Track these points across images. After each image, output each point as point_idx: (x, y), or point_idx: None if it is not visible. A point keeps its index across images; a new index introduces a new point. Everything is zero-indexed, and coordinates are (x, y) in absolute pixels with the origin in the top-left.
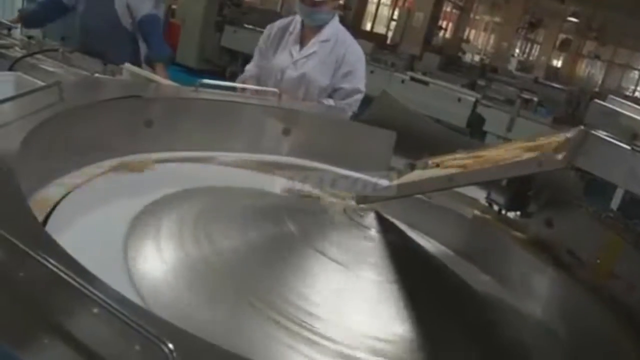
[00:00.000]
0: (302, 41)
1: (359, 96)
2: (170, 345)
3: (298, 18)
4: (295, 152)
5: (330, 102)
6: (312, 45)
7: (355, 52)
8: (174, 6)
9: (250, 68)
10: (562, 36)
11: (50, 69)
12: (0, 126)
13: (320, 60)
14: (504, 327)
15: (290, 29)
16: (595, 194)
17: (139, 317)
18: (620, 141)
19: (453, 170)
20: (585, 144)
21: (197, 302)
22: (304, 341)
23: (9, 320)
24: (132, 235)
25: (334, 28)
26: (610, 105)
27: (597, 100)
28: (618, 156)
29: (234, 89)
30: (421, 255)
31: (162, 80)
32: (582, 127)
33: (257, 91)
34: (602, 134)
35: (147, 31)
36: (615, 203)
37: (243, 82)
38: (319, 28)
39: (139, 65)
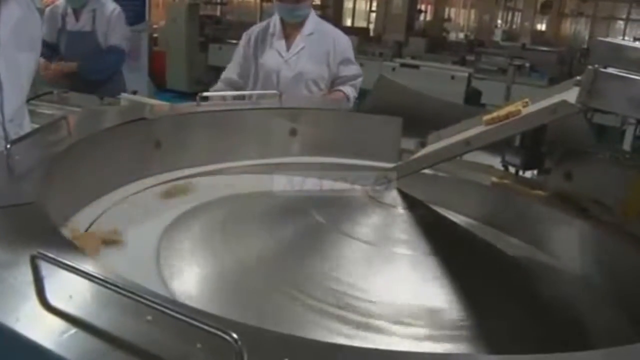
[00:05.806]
0: (287, 39)
1: (360, 80)
2: (235, 335)
3: (275, 18)
4: (307, 150)
5: (349, 89)
6: (299, 41)
7: (342, 40)
8: (155, 35)
9: (228, 76)
10: None
11: (49, 111)
12: (19, 165)
13: (310, 54)
14: (543, 284)
15: (271, 30)
16: (606, 141)
17: (196, 315)
18: (631, 73)
19: (468, 134)
20: (597, 83)
21: (239, 303)
22: (356, 325)
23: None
24: (164, 248)
25: (315, 21)
26: (614, 41)
27: (599, 38)
28: (631, 89)
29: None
30: (449, 226)
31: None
32: (589, 67)
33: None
34: (611, 70)
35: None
36: (627, 144)
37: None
38: (300, 24)
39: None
